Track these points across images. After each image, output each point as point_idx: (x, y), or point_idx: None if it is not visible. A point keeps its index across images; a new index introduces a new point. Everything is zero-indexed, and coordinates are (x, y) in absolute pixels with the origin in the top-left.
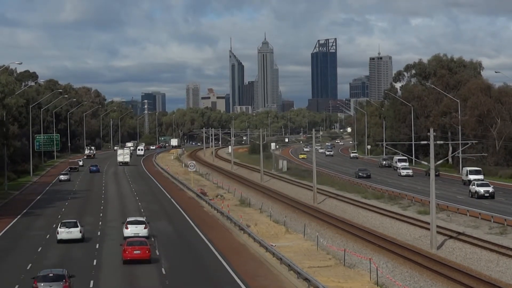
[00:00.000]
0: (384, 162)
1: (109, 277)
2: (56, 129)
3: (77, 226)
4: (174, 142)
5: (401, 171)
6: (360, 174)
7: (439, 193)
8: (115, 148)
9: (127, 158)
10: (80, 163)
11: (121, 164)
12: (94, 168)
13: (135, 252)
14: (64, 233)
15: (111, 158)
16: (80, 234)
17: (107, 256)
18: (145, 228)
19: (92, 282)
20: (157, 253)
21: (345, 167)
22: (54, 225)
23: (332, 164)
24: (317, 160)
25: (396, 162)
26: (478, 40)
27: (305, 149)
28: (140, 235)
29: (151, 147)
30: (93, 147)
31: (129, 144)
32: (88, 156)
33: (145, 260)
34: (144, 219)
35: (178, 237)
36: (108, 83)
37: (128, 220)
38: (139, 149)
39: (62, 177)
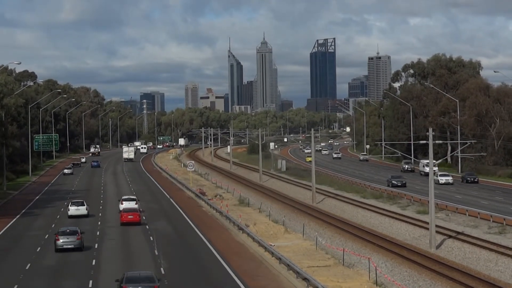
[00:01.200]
0: (406, 166)
1: None
2: (55, 129)
3: (84, 205)
4: (182, 141)
5: (439, 178)
6: (393, 182)
7: None
8: (122, 146)
9: (131, 155)
10: (83, 159)
11: (126, 160)
12: (95, 164)
13: (129, 216)
14: (73, 210)
15: (111, 157)
16: (86, 211)
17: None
18: (136, 204)
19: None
20: (156, 253)
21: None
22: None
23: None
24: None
25: (424, 166)
26: (476, 40)
27: (306, 151)
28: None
29: (158, 146)
30: (97, 145)
31: (137, 143)
32: (93, 154)
33: (136, 223)
34: (135, 197)
35: (177, 237)
36: (107, 83)
37: (123, 198)
38: (142, 147)
39: (66, 171)
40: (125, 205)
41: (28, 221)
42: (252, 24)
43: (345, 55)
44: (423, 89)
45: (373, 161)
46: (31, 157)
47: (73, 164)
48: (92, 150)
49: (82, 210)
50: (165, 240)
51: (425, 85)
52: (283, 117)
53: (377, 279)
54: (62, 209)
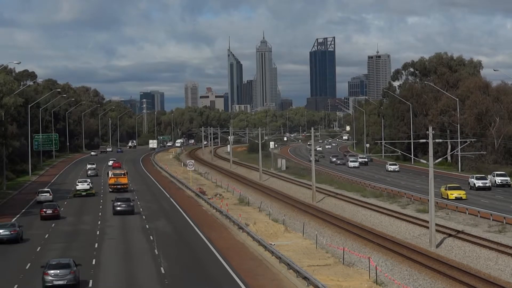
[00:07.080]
0: None
1: None
2: (54, 129)
3: (94, 164)
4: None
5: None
6: None
7: None
8: (150, 141)
9: (155, 145)
10: (109, 149)
11: (151, 149)
12: (119, 150)
13: (115, 164)
14: (90, 170)
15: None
16: (95, 171)
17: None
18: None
19: None
20: (156, 252)
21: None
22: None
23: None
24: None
25: None
26: (474, 38)
27: (351, 163)
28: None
29: (204, 142)
30: (134, 141)
31: (178, 140)
32: (130, 147)
33: (120, 167)
34: (115, 159)
35: (177, 236)
36: (107, 82)
37: (110, 158)
38: (177, 142)
39: (92, 152)
40: (111, 162)
41: (28, 220)
42: (251, 23)
43: (344, 54)
44: (423, 87)
45: (375, 160)
46: (31, 156)
47: (101, 151)
48: (129, 144)
49: (93, 168)
50: (165, 239)
51: (425, 83)
52: (283, 116)
53: (377, 278)
54: (62, 209)
